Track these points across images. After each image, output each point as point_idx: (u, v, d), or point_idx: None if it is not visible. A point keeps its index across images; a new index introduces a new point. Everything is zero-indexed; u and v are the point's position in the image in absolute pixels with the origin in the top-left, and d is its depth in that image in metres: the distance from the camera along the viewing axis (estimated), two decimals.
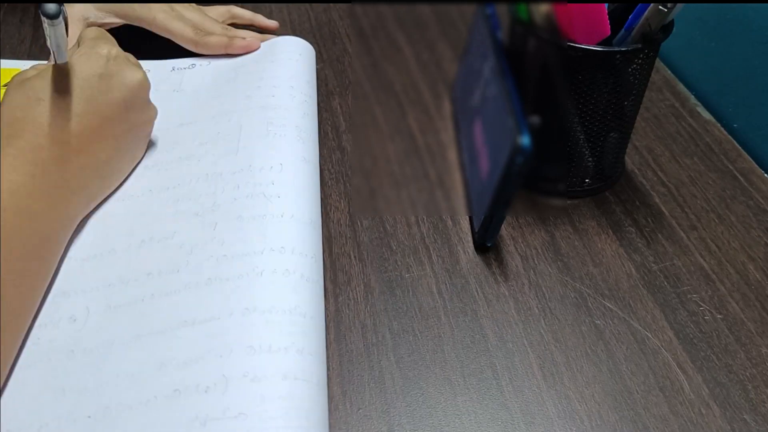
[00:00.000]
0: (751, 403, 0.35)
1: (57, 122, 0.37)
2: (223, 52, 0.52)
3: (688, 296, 0.40)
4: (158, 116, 0.45)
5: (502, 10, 0.45)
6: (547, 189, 0.46)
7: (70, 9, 0.51)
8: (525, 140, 0.35)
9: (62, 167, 0.36)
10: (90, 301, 0.36)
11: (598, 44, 0.39)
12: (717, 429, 0.34)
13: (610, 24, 0.39)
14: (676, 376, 0.36)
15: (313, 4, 0.64)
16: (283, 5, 0.63)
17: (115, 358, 0.33)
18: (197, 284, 0.35)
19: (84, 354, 0.33)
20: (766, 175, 0.48)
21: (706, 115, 0.53)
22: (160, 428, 0.30)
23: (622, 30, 0.40)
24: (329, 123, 0.51)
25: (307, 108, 0.48)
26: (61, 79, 0.38)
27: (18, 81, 0.38)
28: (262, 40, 0.54)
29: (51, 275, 0.36)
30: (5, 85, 0.39)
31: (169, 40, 0.53)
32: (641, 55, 0.40)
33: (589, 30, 0.39)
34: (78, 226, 0.39)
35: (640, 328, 0.38)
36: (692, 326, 0.38)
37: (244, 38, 0.53)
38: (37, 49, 0.57)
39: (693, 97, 0.55)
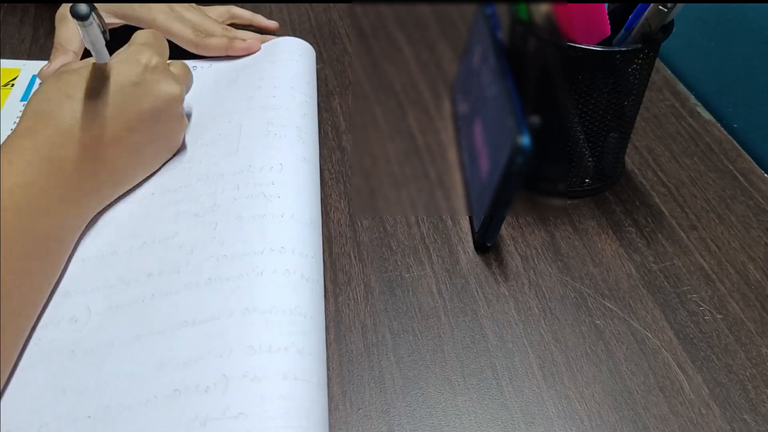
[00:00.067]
0: (751, 403, 0.35)
1: (81, 123, 0.36)
2: (223, 53, 0.52)
3: (688, 296, 0.40)
4: None
5: (502, 10, 0.45)
6: (547, 189, 0.46)
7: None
8: (525, 140, 0.35)
9: (78, 168, 0.36)
10: (91, 301, 0.36)
11: (598, 44, 0.39)
12: (717, 429, 0.34)
13: (610, 24, 0.39)
14: (676, 376, 0.36)
15: (313, 4, 0.64)
16: (283, 5, 0.63)
17: (116, 358, 0.33)
18: (197, 284, 0.35)
19: (84, 354, 0.33)
20: (766, 175, 0.48)
21: (706, 115, 0.53)
22: (160, 428, 0.30)
23: (622, 30, 0.40)
24: (329, 123, 0.51)
25: (308, 108, 0.48)
26: (96, 80, 0.37)
27: (58, 72, 0.38)
28: (263, 41, 0.53)
29: (57, 275, 0.36)
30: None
31: (169, 41, 0.53)
32: (641, 55, 0.40)
33: (589, 30, 0.39)
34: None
35: (640, 328, 0.38)
36: (692, 326, 0.38)
37: (244, 40, 0.53)
38: (37, 49, 0.57)
39: (693, 97, 0.55)
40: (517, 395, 0.35)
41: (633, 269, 0.41)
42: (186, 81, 0.44)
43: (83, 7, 0.33)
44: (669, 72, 0.57)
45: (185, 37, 0.51)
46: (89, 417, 0.30)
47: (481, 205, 0.41)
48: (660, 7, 0.37)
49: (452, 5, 0.64)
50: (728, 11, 0.53)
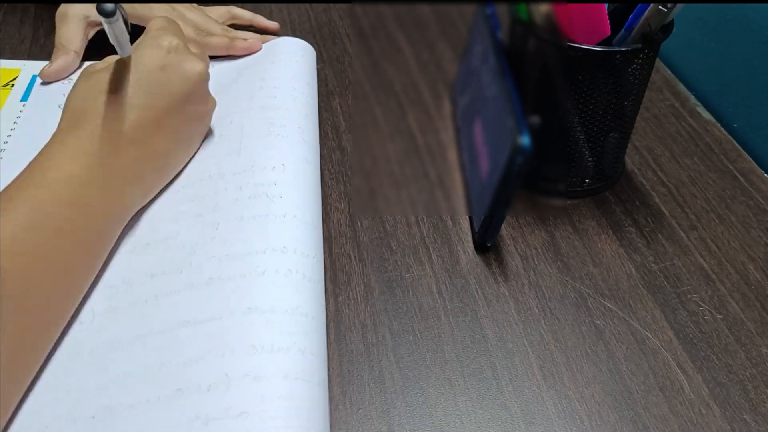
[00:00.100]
0: (751, 403, 0.35)
1: (116, 114, 0.37)
2: (224, 53, 0.52)
3: (688, 296, 0.40)
4: None
5: (502, 10, 0.45)
6: (547, 189, 0.46)
7: (72, 9, 0.51)
8: (525, 140, 0.35)
9: (119, 158, 0.37)
10: (94, 302, 0.36)
11: (598, 44, 0.39)
12: (717, 429, 0.34)
13: (610, 24, 0.39)
14: (676, 376, 0.36)
15: (313, 4, 0.64)
16: (283, 5, 0.63)
17: (118, 358, 0.33)
18: (199, 284, 0.35)
19: (87, 354, 0.33)
20: (766, 175, 0.48)
21: (706, 115, 0.53)
22: (163, 428, 0.30)
23: (622, 30, 0.40)
24: (329, 123, 0.51)
25: (309, 109, 0.48)
26: (124, 71, 0.38)
27: (86, 73, 0.39)
28: (263, 41, 0.54)
29: (98, 267, 0.37)
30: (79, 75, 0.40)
31: None
32: (641, 55, 0.40)
33: (589, 30, 0.39)
34: None
35: (640, 328, 0.38)
36: (692, 326, 0.38)
37: (245, 39, 0.53)
38: (37, 49, 0.57)
39: (693, 97, 0.55)
40: (517, 395, 0.35)
41: (633, 269, 0.41)
42: (205, 59, 0.44)
43: (110, 6, 0.33)
44: (669, 72, 0.57)
45: (186, 36, 0.51)
46: (92, 417, 0.31)
47: (481, 205, 0.41)
48: (660, 7, 0.37)
49: (452, 5, 0.64)
50: (728, 11, 0.53)
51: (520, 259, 0.41)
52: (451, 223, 0.44)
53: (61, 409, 0.31)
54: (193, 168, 0.43)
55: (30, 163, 0.35)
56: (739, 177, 0.48)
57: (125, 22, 0.38)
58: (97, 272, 0.36)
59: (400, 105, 0.53)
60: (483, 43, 0.46)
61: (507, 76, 0.40)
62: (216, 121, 0.46)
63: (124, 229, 0.39)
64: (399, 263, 0.41)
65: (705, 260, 0.42)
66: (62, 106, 0.43)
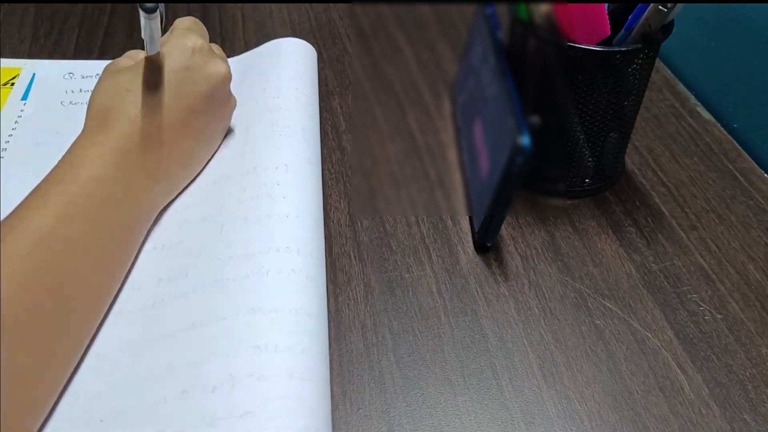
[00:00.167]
0: (751, 403, 0.35)
1: (144, 113, 0.37)
2: None
3: (688, 296, 0.40)
4: None
5: (502, 10, 0.45)
6: (547, 189, 0.46)
7: None
8: (525, 140, 0.35)
9: (146, 157, 0.37)
10: None
11: (598, 44, 0.39)
12: (717, 429, 0.34)
13: (610, 24, 0.39)
14: (676, 376, 0.36)
15: (313, 4, 0.64)
16: (283, 5, 0.63)
17: (126, 362, 0.33)
18: (204, 286, 0.35)
19: (96, 359, 0.33)
20: (766, 175, 0.48)
21: (706, 115, 0.53)
22: (169, 429, 0.30)
23: (622, 30, 0.40)
24: (329, 123, 0.51)
25: (311, 110, 0.48)
26: (151, 70, 0.39)
27: (110, 71, 0.40)
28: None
29: (129, 264, 0.37)
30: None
31: None
32: (641, 55, 0.40)
33: (589, 30, 0.39)
34: None
35: (640, 328, 0.38)
36: (692, 326, 0.38)
37: None
38: (37, 49, 0.57)
39: (693, 97, 0.55)
40: (517, 395, 0.35)
41: (633, 269, 0.41)
42: (226, 60, 0.45)
43: (151, 4, 0.34)
44: (669, 72, 0.57)
45: None
46: (101, 421, 0.31)
47: (481, 205, 0.41)
48: (660, 7, 0.37)
49: (452, 5, 0.64)
50: (728, 11, 0.53)
51: (520, 259, 0.41)
52: (451, 223, 0.44)
53: (73, 413, 0.31)
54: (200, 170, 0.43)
55: (60, 160, 0.36)
56: (739, 177, 0.48)
57: (162, 19, 0.38)
58: (127, 268, 0.37)
59: (400, 105, 0.53)
60: (483, 43, 0.46)
61: (507, 76, 0.40)
62: None
63: None
64: (399, 263, 0.41)
65: (705, 260, 0.42)
66: (64, 104, 0.43)
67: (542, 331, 0.38)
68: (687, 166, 0.48)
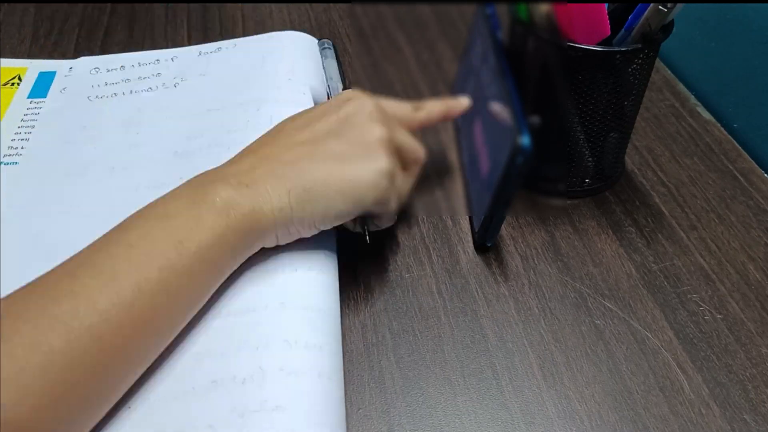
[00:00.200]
0: (751, 403, 0.35)
1: (301, 199, 0.34)
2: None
3: (688, 296, 0.40)
4: (187, 102, 0.46)
5: (502, 10, 0.45)
6: (547, 189, 0.46)
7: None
8: (525, 140, 0.35)
9: (272, 233, 0.35)
10: None
11: (598, 44, 0.39)
12: (717, 429, 0.34)
13: (610, 24, 0.39)
14: (676, 376, 0.36)
15: (313, 4, 0.64)
16: (283, 5, 0.63)
17: None
18: (232, 277, 0.35)
19: None
20: (766, 175, 0.48)
21: (706, 115, 0.53)
22: (200, 419, 0.30)
23: (622, 30, 0.40)
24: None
25: None
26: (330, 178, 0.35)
27: (290, 124, 0.38)
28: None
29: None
30: None
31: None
32: (641, 55, 0.40)
33: (589, 30, 0.39)
34: (115, 220, 0.37)
35: (640, 328, 0.38)
36: (692, 326, 0.38)
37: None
38: (37, 49, 0.57)
39: (693, 97, 0.55)
40: (517, 395, 0.35)
41: (633, 269, 0.41)
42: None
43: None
44: (669, 72, 0.57)
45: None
46: (129, 408, 0.31)
47: (481, 205, 0.41)
48: (660, 7, 0.37)
49: (452, 5, 0.64)
50: (728, 11, 0.53)
51: (520, 259, 0.41)
52: (451, 223, 0.44)
53: None
54: (221, 156, 0.43)
55: (196, 193, 0.33)
56: (739, 177, 0.48)
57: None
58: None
59: None
60: (483, 43, 0.46)
61: (507, 76, 0.40)
62: (242, 107, 0.46)
63: None
64: (399, 263, 0.41)
65: (705, 260, 0.42)
66: (90, 98, 0.43)
67: (542, 331, 0.38)
68: (687, 166, 0.48)
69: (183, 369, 0.32)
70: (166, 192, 0.34)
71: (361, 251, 0.41)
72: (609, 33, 0.39)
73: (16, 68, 0.53)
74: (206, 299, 0.33)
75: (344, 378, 0.35)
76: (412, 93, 0.54)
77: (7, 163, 0.44)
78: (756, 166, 0.49)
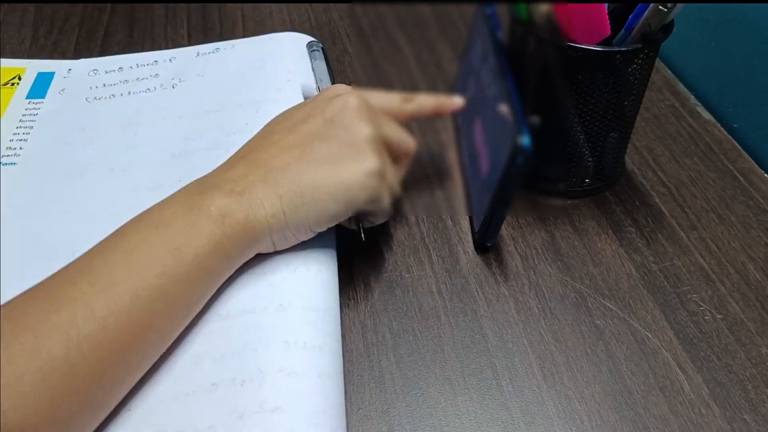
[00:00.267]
0: (751, 403, 0.35)
1: (293, 205, 0.34)
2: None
3: (688, 296, 0.40)
4: (185, 103, 0.46)
5: (502, 10, 0.45)
6: (547, 189, 0.46)
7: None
8: (525, 140, 0.35)
9: (268, 242, 0.35)
10: None
11: (598, 44, 0.39)
12: (717, 429, 0.34)
13: (610, 24, 0.39)
14: (676, 376, 0.36)
15: (313, 4, 0.64)
16: (283, 5, 0.63)
17: None
18: (231, 279, 0.35)
19: None
20: (766, 175, 0.48)
21: (706, 115, 0.53)
22: (199, 421, 0.30)
23: (622, 30, 0.40)
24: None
25: None
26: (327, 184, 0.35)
27: (277, 123, 0.38)
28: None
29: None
30: None
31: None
32: (641, 55, 0.40)
33: (589, 30, 0.39)
34: (114, 220, 0.36)
35: (640, 328, 0.38)
36: (692, 326, 0.38)
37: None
38: (36, 49, 0.57)
39: (693, 97, 0.55)
40: (517, 395, 0.35)
41: (633, 269, 0.41)
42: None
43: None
44: (669, 72, 0.57)
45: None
46: (129, 410, 0.31)
47: (481, 205, 0.41)
48: (660, 7, 0.37)
49: (452, 5, 0.64)
50: (728, 11, 0.53)
51: (520, 259, 0.41)
52: (451, 223, 0.44)
53: None
54: (220, 157, 0.43)
55: (194, 199, 0.33)
56: (739, 177, 0.48)
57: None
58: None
59: None
60: (483, 43, 0.46)
61: (507, 76, 0.40)
62: (241, 108, 0.46)
63: None
64: (399, 263, 0.41)
65: (705, 260, 0.42)
66: (89, 100, 0.43)
67: (542, 331, 0.38)
68: (687, 166, 0.48)
69: (182, 371, 0.32)
70: (165, 195, 0.34)
71: (362, 251, 0.41)
72: (609, 33, 0.39)
73: (16, 68, 0.53)
74: (203, 304, 0.34)
75: (344, 378, 0.35)
76: (412, 93, 0.53)
77: (6, 164, 0.44)
78: (756, 166, 0.49)
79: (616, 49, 0.38)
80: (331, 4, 0.64)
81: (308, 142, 0.35)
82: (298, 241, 0.36)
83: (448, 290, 0.39)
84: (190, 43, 0.58)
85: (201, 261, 0.32)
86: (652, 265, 0.41)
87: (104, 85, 0.51)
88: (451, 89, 0.54)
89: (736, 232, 0.44)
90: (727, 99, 0.54)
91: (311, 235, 0.36)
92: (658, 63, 0.58)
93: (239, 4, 0.63)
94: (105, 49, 0.57)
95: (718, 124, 0.52)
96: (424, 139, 0.50)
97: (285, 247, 0.36)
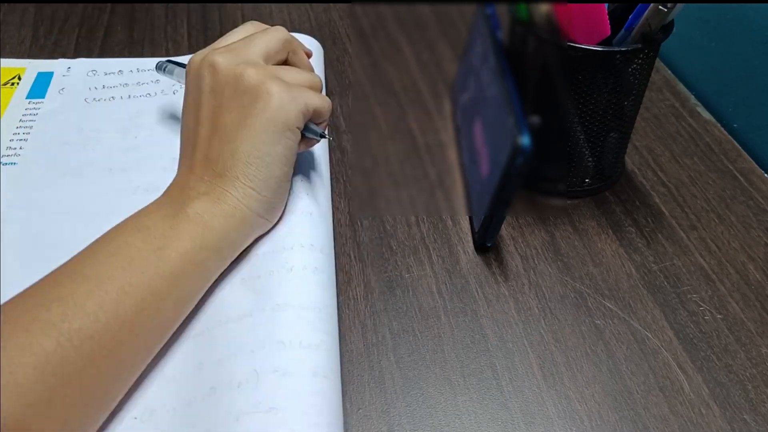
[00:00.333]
0: (751, 403, 0.35)
1: (256, 181, 0.35)
2: None
3: (688, 296, 0.40)
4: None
5: (502, 10, 0.45)
6: (547, 189, 0.46)
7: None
8: (525, 140, 0.35)
9: (246, 229, 0.36)
10: None
11: (598, 44, 0.39)
12: (717, 429, 0.34)
13: (610, 24, 0.39)
14: (676, 376, 0.36)
15: (313, 4, 0.64)
16: (283, 5, 0.63)
17: (159, 361, 0.33)
18: (232, 284, 0.36)
19: None
20: (766, 175, 0.48)
21: (706, 115, 0.53)
22: (198, 425, 0.30)
23: (622, 30, 0.40)
24: (329, 123, 0.51)
25: None
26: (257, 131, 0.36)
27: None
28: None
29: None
30: None
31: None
32: (641, 55, 0.40)
33: (589, 30, 0.39)
34: (113, 220, 0.37)
35: (640, 328, 0.38)
36: (692, 326, 0.38)
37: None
38: (36, 49, 0.57)
39: (693, 97, 0.55)
40: (517, 395, 0.35)
41: (633, 269, 0.41)
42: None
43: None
44: (669, 72, 0.57)
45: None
46: (135, 418, 0.31)
47: (481, 205, 0.41)
48: (660, 7, 0.37)
49: (452, 5, 0.64)
50: (728, 11, 0.53)
51: (520, 259, 0.41)
52: (451, 223, 0.44)
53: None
54: None
55: (170, 208, 0.34)
56: (739, 177, 0.48)
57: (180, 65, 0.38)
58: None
59: (400, 105, 0.53)
60: (483, 43, 0.46)
61: (507, 76, 0.40)
62: None
63: None
64: (399, 263, 0.41)
65: (705, 260, 0.42)
66: (88, 101, 0.43)
67: (542, 331, 0.38)
68: (687, 166, 0.48)
69: (187, 379, 0.32)
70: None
71: (362, 252, 0.41)
72: (609, 33, 0.39)
73: (16, 68, 0.53)
74: (195, 300, 0.34)
75: (344, 378, 0.35)
76: (412, 93, 0.54)
77: (6, 164, 0.44)
78: (756, 166, 0.49)
79: (616, 49, 0.38)
80: (331, 4, 0.64)
81: (220, 120, 0.36)
82: (285, 195, 0.37)
83: (448, 290, 0.39)
84: (190, 43, 0.58)
85: (186, 257, 0.32)
86: (652, 265, 0.41)
87: (104, 87, 0.51)
88: (451, 89, 0.54)
89: (736, 232, 0.44)
90: (727, 99, 0.54)
91: (289, 178, 0.37)
92: (658, 63, 0.58)
93: (239, 4, 0.63)
94: (105, 49, 0.57)
95: (718, 124, 0.52)
96: (424, 139, 0.50)
97: (279, 213, 0.37)
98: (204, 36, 0.59)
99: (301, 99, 0.36)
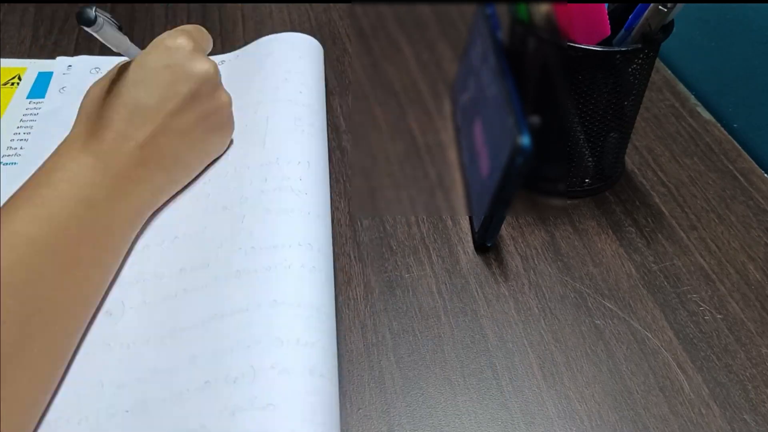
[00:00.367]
0: (751, 403, 0.35)
1: (121, 115, 0.37)
2: None
3: (688, 296, 0.40)
4: None
5: (502, 10, 0.45)
6: (547, 189, 0.46)
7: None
8: (525, 140, 0.35)
9: (125, 159, 0.37)
10: (125, 296, 0.36)
11: (598, 44, 0.39)
12: (717, 429, 0.34)
13: (610, 24, 0.39)
14: (676, 376, 0.36)
15: (313, 4, 0.64)
16: (283, 5, 0.63)
17: (151, 353, 0.33)
18: (227, 277, 0.36)
19: (121, 348, 0.34)
20: (766, 175, 0.48)
21: (706, 115, 0.53)
22: (192, 420, 0.30)
23: (622, 30, 0.40)
24: (329, 123, 0.51)
25: (325, 109, 0.49)
26: (127, 72, 0.38)
27: (98, 79, 0.40)
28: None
29: (115, 267, 0.37)
30: None
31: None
32: (641, 55, 0.40)
33: (589, 30, 0.39)
34: None
35: (640, 328, 0.38)
36: (692, 326, 0.38)
37: None
38: (36, 49, 0.57)
39: (693, 97, 0.55)
40: (517, 395, 0.35)
41: (633, 269, 0.41)
42: (206, 45, 0.43)
43: (89, 12, 0.33)
44: (669, 72, 0.57)
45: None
46: (127, 411, 0.31)
47: (481, 205, 0.41)
48: (660, 7, 0.37)
49: (452, 5, 0.64)
50: (728, 11, 0.53)
51: (520, 259, 0.41)
52: (451, 223, 0.44)
53: (99, 403, 0.32)
54: (219, 159, 0.43)
55: (40, 166, 0.36)
56: (739, 177, 0.48)
57: (119, 27, 0.37)
58: (113, 271, 0.37)
59: (400, 105, 0.53)
60: (483, 43, 0.46)
61: (507, 76, 0.40)
62: (241, 111, 0.46)
63: (152, 222, 0.40)
64: (399, 263, 0.41)
65: (705, 260, 0.42)
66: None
67: (542, 331, 0.38)
68: (687, 166, 0.48)
69: (178, 371, 0.32)
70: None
71: (361, 252, 0.41)
72: (609, 33, 0.39)
73: (16, 68, 0.53)
74: (127, 218, 0.37)
75: (344, 378, 0.35)
76: (412, 93, 0.54)
77: (6, 164, 0.44)
78: (756, 166, 0.49)
79: (616, 49, 0.38)
80: (331, 4, 0.64)
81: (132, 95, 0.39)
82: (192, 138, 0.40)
83: (448, 290, 0.39)
84: None
85: (83, 199, 0.35)
86: (652, 265, 0.41)
87: None
88: (451, 89, 0.54)
89: (736, 232, 0.44)
90: (727, 99, 0.54)
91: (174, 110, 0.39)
92: (658, 63, 0.58)
93: (239, 4, 0.63)
94: (105, 48, 0.57)
95: (718, 124, 0.52)
96: (424, 139, 0.50)
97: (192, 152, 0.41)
98: None
99: (182, 45, 0.40)
